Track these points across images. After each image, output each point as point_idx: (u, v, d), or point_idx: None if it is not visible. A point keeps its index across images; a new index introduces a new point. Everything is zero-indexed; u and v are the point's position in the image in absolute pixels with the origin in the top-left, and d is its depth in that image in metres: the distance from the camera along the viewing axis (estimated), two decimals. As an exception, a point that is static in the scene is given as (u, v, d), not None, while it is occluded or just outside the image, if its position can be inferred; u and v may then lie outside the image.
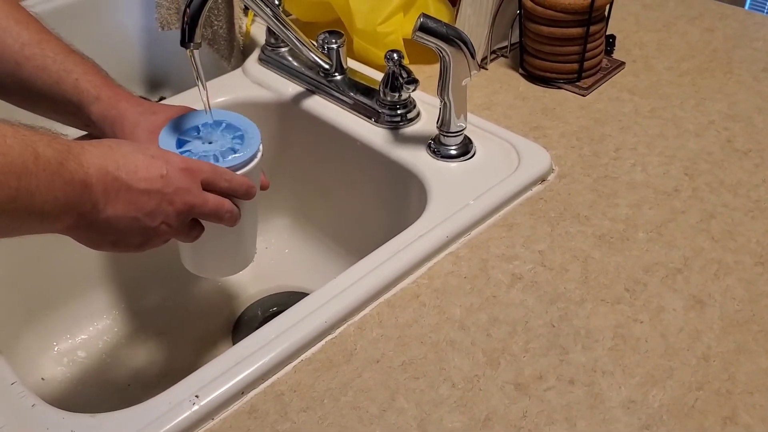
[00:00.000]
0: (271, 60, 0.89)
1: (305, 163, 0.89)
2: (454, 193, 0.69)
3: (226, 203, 0.59)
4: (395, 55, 0.75)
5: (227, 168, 0.60)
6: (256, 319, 0.86)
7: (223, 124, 0.66)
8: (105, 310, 0.83)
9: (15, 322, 0.76)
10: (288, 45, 0.89)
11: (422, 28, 0.66)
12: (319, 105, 0.83)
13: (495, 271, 0.63)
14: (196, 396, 0.52)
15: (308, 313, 0.58)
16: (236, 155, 0.62)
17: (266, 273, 0.90)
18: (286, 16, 0.87)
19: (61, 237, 0.77)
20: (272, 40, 0.89)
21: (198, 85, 0.64)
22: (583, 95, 0.84)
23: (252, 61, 0.91)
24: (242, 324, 0.85)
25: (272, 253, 0.93)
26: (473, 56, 0.68)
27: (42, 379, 0.77)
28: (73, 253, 0.79)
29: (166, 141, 0.63)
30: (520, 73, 0.88)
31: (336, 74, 0.83)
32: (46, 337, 0.79)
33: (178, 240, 0.60)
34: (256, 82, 0.88)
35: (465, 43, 0.67)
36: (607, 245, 0.65)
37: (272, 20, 0.74)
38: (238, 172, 0.62)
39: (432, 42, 0.67)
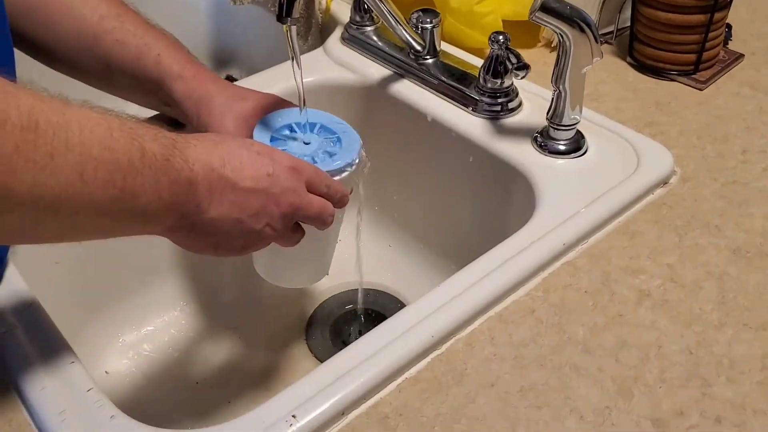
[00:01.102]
0: (355, 39, 0.82)
1: (388, 151, 0.82)
2: (566, 193, 0.62)
3: (329, 206, 0.54)
4: (500, 37, 0.68)
5: (326, 171, 0.55)
6: (331, 317, 0.80)
7: (318, 125, 0.60)
8: (173, 301, 0.78)
9: (80, 311, 0.71)
10: (374, 24, 0.82)
11: (544, 8, 0.58)
12: (408, 89, 0.76)
13: (619, 285, 0.56)
14: (293, 416, 0.46)
15: (411, 326, 0.52)
16: (336, 160, 0.57)
17: (339, 269, 0.84)
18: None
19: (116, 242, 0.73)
20: (357, 18, 0.82)
21: (293, 68, 0.58)
22: (700, 89, 0.76)
23: (334, 39, 0.84)
24: (316, 322, 0.80)
25: (346, 247, 0.87)
26: (597, 41, 0.61)
27: (106, 372, 0.72)
28: (141, 240, 0.73)
29: (262, 137, 0.57)
30: (628, 62, 0.81)
31: (428, 57, 0.76)
32: (112, 328, 0.74)
33: (281, 245, 0.54)
34: (338, 63, 0.81)
35: (589, 26, 0.60)
36: (744, 261, 0.58)
37: (369, -6, 0.67)
38: (336, 178, 0.56)
39: (552, 23, 0.59)
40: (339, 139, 0.59)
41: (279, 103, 0.63)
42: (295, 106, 0.62)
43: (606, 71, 0.80)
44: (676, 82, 0.77)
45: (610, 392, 0.49)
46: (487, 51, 0.80)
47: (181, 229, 0.46)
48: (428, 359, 0.51)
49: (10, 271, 0.57)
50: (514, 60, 0.65)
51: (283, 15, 0.56)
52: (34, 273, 0.63)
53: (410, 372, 0.50)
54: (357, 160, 0.58)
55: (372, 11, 0.82)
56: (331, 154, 0.58)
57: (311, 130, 0.60)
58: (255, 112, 0.61)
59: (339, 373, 0.48)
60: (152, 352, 0.75)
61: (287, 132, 0.59)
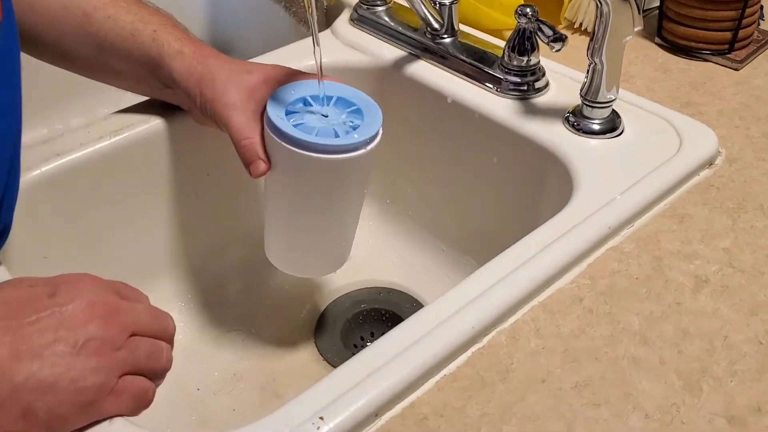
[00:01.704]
0: (365, 20, 0.77)
1: (402, 139, 0.76)
2: (606, 175, 0.57)
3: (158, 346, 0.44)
4: (528, 9, 0.63)
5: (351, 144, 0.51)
6: (342, 317, 0.74)
7: (334, 98, 0.55)
8: (170, 301, 0.71)
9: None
10: (385, 3, 0.77)
11: (583, -29, 0.53)
12: (426, 70, 0.71)
13: (673, 272, 0.50)
14: (321, 418, 0.40)
15: (447, 317, 0.46)
16: (360, 133, 0.52)
17: (350, 265, 0.78)
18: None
19: (124, 216, 0.67)
20: (368, -3, 0.77)
21: (313, 40, 0.52)
22: (736, 69, 0.71)
23: (342, 21, 0.79)
24: (326, 322, 0.74)
25: (357, 243, 0.81)
26: (639, 8, 0.56)
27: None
28: (136, 234, 0.68)
29: (276, 111, 0.52)
30: (657, 43, 0.76)
31: (445, 36, 0.71)
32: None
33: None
34: (348, 45, 0.76)
35: (631, -9, 0.55)
36: (805, 244, 0.53)
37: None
38: (360, 152, 0.51)
39: (591, -11, 0.54)
40: (359, 111, 0.54)
41: (291, 75, 0.57)
42: (309, 77, 0.57)
43: (634, 52, 0.75)
44: (709, 63, 0.73)
45: (675, 387, 0.43)
46: (507, 33, 0.76)
47: None
48: (468, 354, 0.45)
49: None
50: (549, 32, 0.60)
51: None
52: (20, 268, 0.57)
53: (449, 368, 0.44)
54: (380, 133, 0.53)
55: (384, -10, 0.77)
56: (354, 127, 0.52)
57: (328, 103, 0.54)
58: (262, 84, 0.56)
59: (370, 370, 0.43)
60: (149, 356, 0.68)
61: (302, 105, 0.54)
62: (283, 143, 0.51)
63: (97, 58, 0.59)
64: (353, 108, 0.54)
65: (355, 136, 0.51)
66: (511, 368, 0.44)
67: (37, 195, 0.59)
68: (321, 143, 0.51)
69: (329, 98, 0.55)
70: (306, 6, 0.52)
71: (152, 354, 0.43)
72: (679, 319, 0.47)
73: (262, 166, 0.53)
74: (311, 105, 0.54)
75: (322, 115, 0.53)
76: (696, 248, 0.52)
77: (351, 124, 0.53)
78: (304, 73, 0.58)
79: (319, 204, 0.55)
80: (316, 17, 0.53)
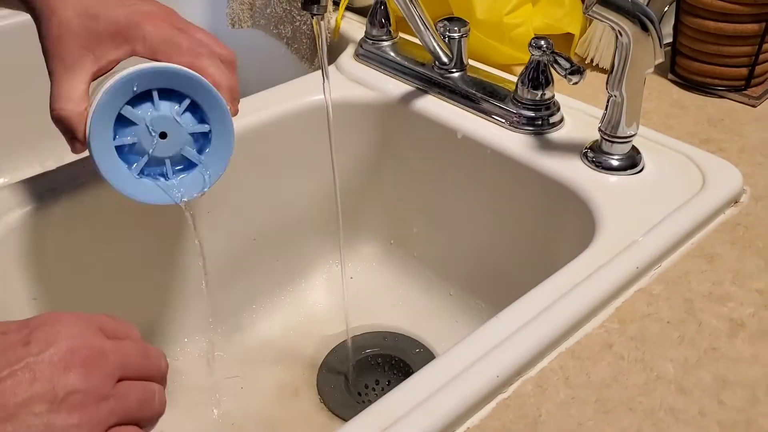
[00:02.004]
0: (370, 55, 0.75)
1: (409, 176, 0.74)
2: (629, 213, 0.54)
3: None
4: (542, 42, 0.61)
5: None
6: (346, 364, 0.70)
7: (186, 104, 0.47)
8: (168, 344, 0.68)
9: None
10: (391, 38, 0.75)
11: (604, 1, 0.51)
12: (434, 105, 0.68)
13: (705, 314, 0.47)
14: (335, 477, 0.36)
15: (470, 364, 0.42)
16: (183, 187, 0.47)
17: (353, 309, 0.74)
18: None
19: (118, 255, 0.63)
20: (374, 32, 0.75)
21: (321, 62, 0.50)
22: (754, 105, 0.69)
23: (347, 56, 0.77)
24: (329, 369, 0.70)
25: (359, 285, 0.78)
26: (660, 40, 0.53)
27: None
28: (130, 273, 0.64)
29: (101, 125, 0.45)
30: (670, 79, 0.74)
31: (454, 70, 0.69)
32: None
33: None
34: (353, 80, 0.74)
35: (652, 22, 0.53)
36: (843, 286, 0.50)
37: (399, -9, 0.60)
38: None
39: (611, 19, 0.52)
40: (207, 134, 0.48)
41: (140, 39, 0.47)
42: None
43: (647, 88, 0.72)
44: (725, 99, 0.70)
45: (719, 442, 0.40)
46: (516, 68, 0.74)
47: None
48: (493, 404, 0.42)
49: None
50: (566, 64, 0.58)
51: (307, 2, 0.49)
52: (10, 309, 0.54)
53: (472, 420, 0.41)
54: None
55: (389, 25, 0.75)
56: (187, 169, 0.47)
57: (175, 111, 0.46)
58: (109, 39, 0.47)
59: (387, 422, 0.39)
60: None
61: (139, 109, 0.46)
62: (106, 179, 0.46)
63: None
64: (197, 119, 0.47)
65: (180, 191, 0.47)
66: (540, 420, 0.41)
67: (28, 232, 0.56)
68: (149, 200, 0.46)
69: (176, 100, 0.46)
70: (316, 33, 0.50)
71: (144, 401, 0.38)
72: (716, 366, 0.44)
73: (77, 147, 0.46)
74: (145, 117, 0.46)
75: (159, 134, 0.46)
76: (728, 290, 0.49)
77: (190, 151, 0.47)
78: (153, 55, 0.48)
79: None
80: (325, 48, 0.50)
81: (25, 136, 0.91)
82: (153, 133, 0.45)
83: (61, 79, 0.46)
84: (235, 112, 0.48)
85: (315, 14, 0.49)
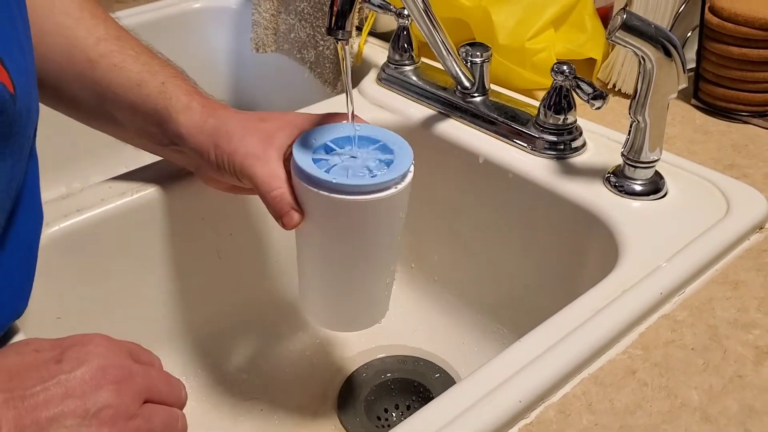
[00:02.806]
0: (393, 79, 0.75)
1: (430, 201, 0.74)
2: (653, 239, 0.54)
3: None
4: (565, 66, 0.61)
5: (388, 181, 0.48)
6: (366, 387, 0.70)
7: (356, 137, 0.53)
8: (187, 365, 0.68)
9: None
10: (414, 63, 0.76)
11: (626, 26, 0.52)
12: (456, 129, 0.69)
13: (730, 341, 0.47)
14: (356, 502, 0.36)
15: (492, 388, 0.42)
16: (392, 171, 0.49)
17: (373, 333, 0.74)
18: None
19: (143, 276, 0.63)
20: (396, 57, 0.76)
21: (346, 86, 0.51)
22: (778, 131, 0.69)
23: (369, 80, 0.77)
24: (349, 392, 0.70)
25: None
26: (684, 65, 0.54)
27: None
28: (154, 293, 0.65)
29: (303, 159, 0.50)
30: (693, 105, 0.74)
31: (476, 94, 0.69)
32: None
33: None
34: (375, 104, 0.74)
35: (676, 48, 0.53)
36: None
37: (422, 15, 0.60)
38: (388, 192, 0.48)
39: (634, 44, 0.52)
40: (386, 147, 0.52)
41: (306, 119, 0.55)
42: (327, 119, 0.54)
43: (670, 114, 0.72)
44: (749, 125, 0.70)
45: (746, 472, 0.39)
46: (538, 93, 0.74)
47: None
48: (515, 429, 0.41)
49: None
50: (588, 89, 0.58)
51: (334, 27, 0.49)
52: (34, 328, 0.54)
53: (494, 446, 0.41)
54: (411, 171, 0.51)
55: (411, 50, 0.75)
56: (387, 163, 0.50)
57: (353, 144, 0.52)
58: (279, 131, 0.53)
59: (409, 447, 0.39)
60: None
61: (326, 149, 0.52)
62: (318, 191, 0.48)
63: (99, 107, 0.57)
64: (378, 144, 0.52)
65: (391, 173, 0.49)
66: (563, 447, 0.40)
67: (54, 252, 0.56)
68: (357, 184, 0.48)
69: (353, 138, 0.52)
70: (340, 57, 0.50)
71: (168, 424, 0.40)
72: (742, 394, 0.43)
73: (295, 217, 0.50)
74: (335, 149, 0.52)
75: (351, 156, 0.51)
76: (754, 317, 0.49)
77: (382, 159, 0.51)
78: (318, 115, 0.55)
79: (358, 250, 0.52)
80: (350, 73, 0.51)
81: (57, 157, 0.93)
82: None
83: (261, 169, 0.52)
84: None
85: (340, 39, 0.50)
